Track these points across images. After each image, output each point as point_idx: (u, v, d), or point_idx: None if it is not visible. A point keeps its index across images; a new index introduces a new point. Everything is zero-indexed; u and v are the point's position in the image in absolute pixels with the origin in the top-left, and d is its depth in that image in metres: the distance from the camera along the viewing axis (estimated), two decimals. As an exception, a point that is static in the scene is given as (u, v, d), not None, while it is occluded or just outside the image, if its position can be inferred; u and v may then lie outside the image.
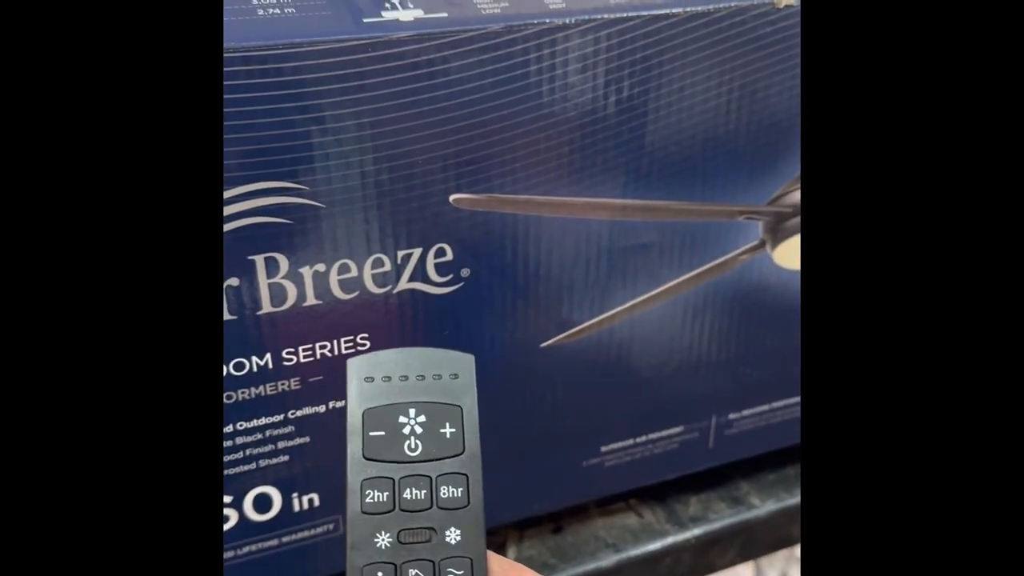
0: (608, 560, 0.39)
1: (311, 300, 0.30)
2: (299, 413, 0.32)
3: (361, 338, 0.32)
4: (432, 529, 0.23)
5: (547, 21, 0.29)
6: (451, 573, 0.23)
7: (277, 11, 0.28)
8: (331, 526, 0.35)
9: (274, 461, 0.32)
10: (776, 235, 0.37)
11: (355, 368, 0.24)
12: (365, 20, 0.28)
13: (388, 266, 0.31)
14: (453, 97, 0.29)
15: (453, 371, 0.25)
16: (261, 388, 0.31)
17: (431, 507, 0.23)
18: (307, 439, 0.33)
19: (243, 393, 0.31)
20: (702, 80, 0.33)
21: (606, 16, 0.30)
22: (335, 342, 0.31)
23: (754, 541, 0.43)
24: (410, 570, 0.22)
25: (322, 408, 0.32)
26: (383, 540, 0.23)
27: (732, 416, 0.41)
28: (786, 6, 0.33)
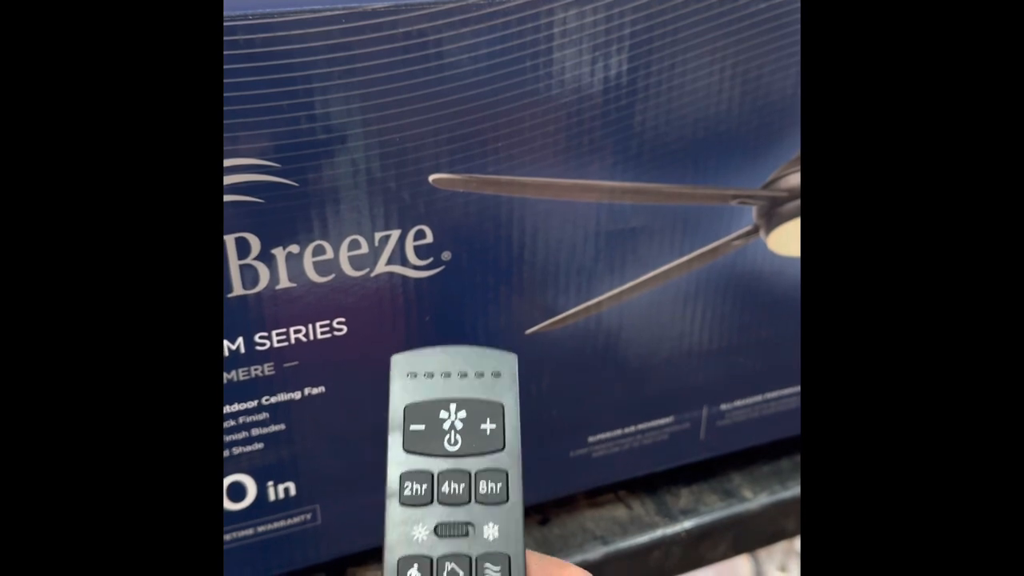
0: (596, 553, 0.38)
1: (284, 283, 0.29)
2: (273, 399, 0.31)
3: (337, 322, 0.31)
4: (470, 524, 0.23)
5: (531, -6, 0.28)
6: (488, 569, 0.22)
7: (248, -20, 0.27)
8: (308, 516, 0.34)
9: (248, 449, 0.32)
10: (770, 220, 0.36)
11: (398, 364, 0.25)
12: (340, -10, 0.27)
13: (365, 248, 0.30)
14: (433, 72, 0.28)
15: (495, 369, 0.25)
16: (233, 373, 0.30)
17: (469, 502, 0.23)
18: (282, 426, 0.32)
19: (215, 378, 0.30)
20: (693, 59, 0.31)
21: (593, -11, 0.29)
22: (310, 326, 0.30)
23: (746, 534, 0.42)
24: (447, 564, 0.22)
25: (297, 395, 0.31)
26: (420, 533, 0.23)
27: (724, 407, 0.40)
28: (782, -19, 0.31)
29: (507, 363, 0.25)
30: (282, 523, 0.34)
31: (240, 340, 0.30)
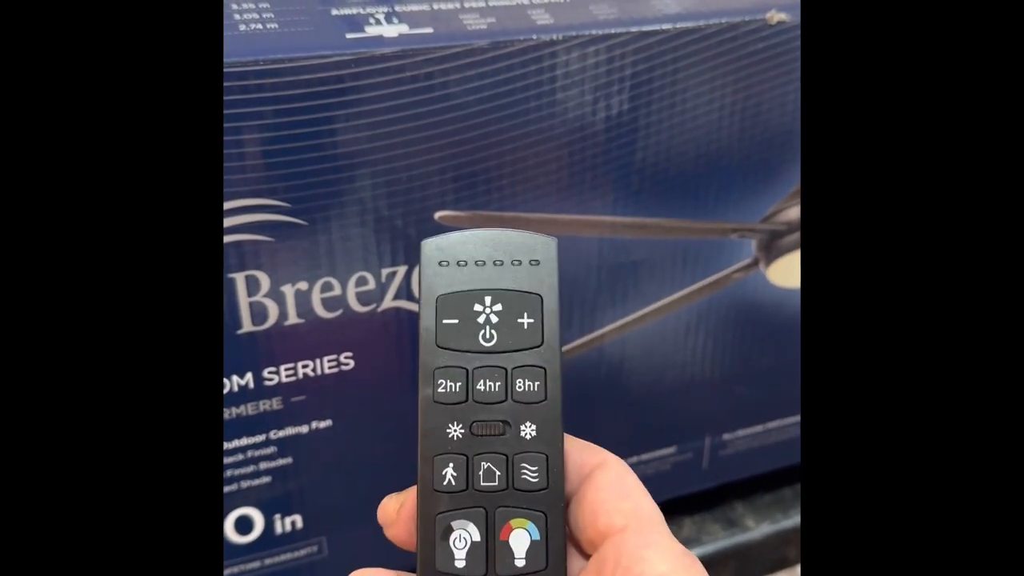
0: (599, 583, 0.38)
1: (293, 319, 0.30)
2: (281, 434, 0.32)
3: (345, 357, 0.31)
4: (506, 423, 0.22)
5: (534, 37, 0.29)
6: (525, 468, 0.22)
7: (259, 27, 0.27)
8: (314, 548, 0.34)
9: (256, 482, 0.32)
10: (770, 253, 0.37)
11: (429, 251, 0.23)
12: (348, 36, 0.28)
13: (372, 284, 0.30)
14: (438, 114, 0.29)
15: (533, 256, 0.23)
16: (242, 408, 0.30)
17: (506, 400, 0.22)
18: (289, 460, 0.32)
19: (223, 413, 0.30)
20: (692, 97, 0.32)
21: (594, 32, 0.30)
22: (318, 361, 0.31)
23: (749, 564, 0.42)
24: (482, 463, 0.22)
25: (304, 428, 0.32)
26: (455, 431, 0.22)
27: (726, 436, 0.40)
28: (778, 23, 0.32)
29: (546, 249, 0.23)
30: (289, 556, 0.34)
31: (249, 375, 0.30)
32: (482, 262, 0.23)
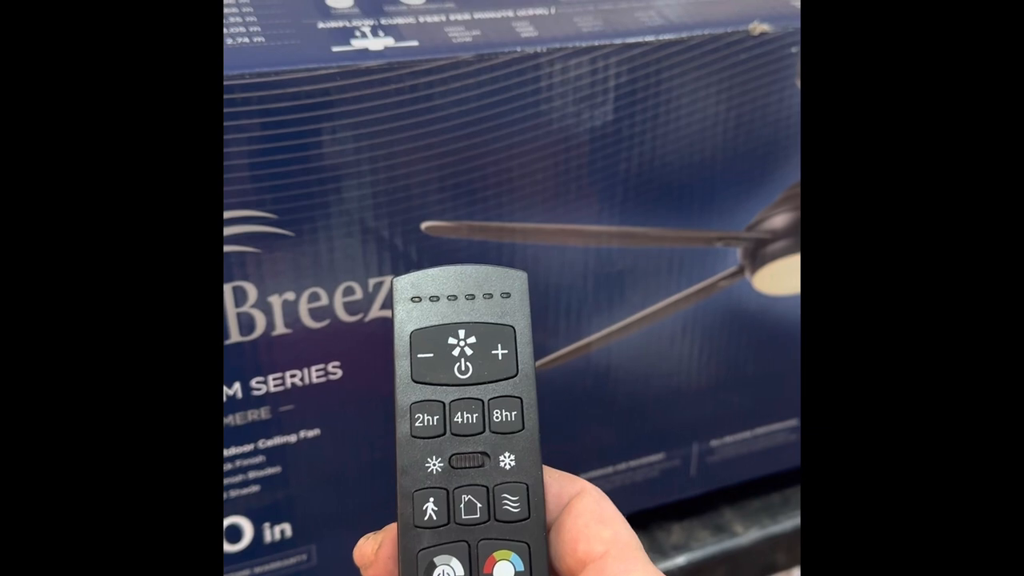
0: (588, 590, 0.38)
1: (280, 329, 0.30)
2: (269, 443, 0.32)
3: (332, 366, 0.31)
4: (485, 454, 0.22)
5: (518, 49, 0.29)
6: (506, 499, 0.22)
7: (245, 40, 0.28)
8: (304, 557, 0.34)
9: (244, 492, 0.32)
10: (755, 261, 0.37)
11: (401, 287, 0.23)
12: (334, 49, 0.28)
13: (359, 294, 0.31)
14: (424, 126, 0.29)
15: (504, 289, 0.23)
16: (230, 418, 0.31)
17: (484, 431, 0.22)
18: (278, 469, 0.32)
19: (212, 423, 0.31)
20: (676, 108, 0.32)
21: (578, 44, 0.30)
22: (305, 371, 0.31)
23: (738, 570, 0.42)
24: (463, 496, 0.22)
25: (293, 438, 0.32)
26: (434, 465, 0.22)
27: (714, 443, 0.41)
28: (761, 33, 0.33)
29: (517, 282, 0.23)
30: (278, 564, 0.34)
31: (237, 385, 0.30)
32: (454, 296, 0.23)
